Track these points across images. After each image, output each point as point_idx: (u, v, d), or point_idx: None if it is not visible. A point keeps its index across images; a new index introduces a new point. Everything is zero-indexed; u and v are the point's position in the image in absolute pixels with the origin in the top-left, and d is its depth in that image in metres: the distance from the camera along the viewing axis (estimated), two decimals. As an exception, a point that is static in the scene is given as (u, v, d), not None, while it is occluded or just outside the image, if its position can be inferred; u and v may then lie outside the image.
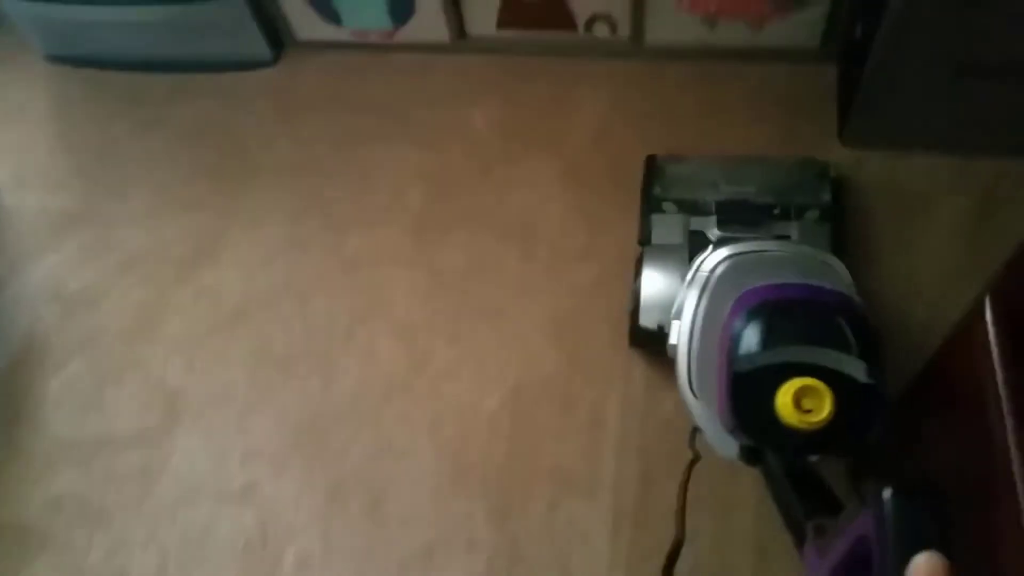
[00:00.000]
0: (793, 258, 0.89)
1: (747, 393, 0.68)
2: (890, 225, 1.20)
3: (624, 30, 1.37)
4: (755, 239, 0.94)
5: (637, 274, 1.10)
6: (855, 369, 0.65)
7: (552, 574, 1.04)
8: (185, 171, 1.41)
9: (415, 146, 1.38)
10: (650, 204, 1.17)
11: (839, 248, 1.10)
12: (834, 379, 0.64)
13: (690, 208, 1.14)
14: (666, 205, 1.16)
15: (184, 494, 1.13)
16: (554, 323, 1.21)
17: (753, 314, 0.70)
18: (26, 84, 1.58)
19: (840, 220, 1.13)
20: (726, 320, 0.73)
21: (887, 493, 0.44)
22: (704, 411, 0.82)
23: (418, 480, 1.11)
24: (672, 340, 0.91)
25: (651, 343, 1.05)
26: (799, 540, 0.66)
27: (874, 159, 1.26)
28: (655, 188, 1.18)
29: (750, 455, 0.75)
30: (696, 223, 1.13)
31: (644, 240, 1.14)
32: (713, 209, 1.12)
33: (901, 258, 1.18)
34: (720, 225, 1.11)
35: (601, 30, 1.38)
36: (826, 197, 1.14)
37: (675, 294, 0.97)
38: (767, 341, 0.68)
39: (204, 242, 1.33)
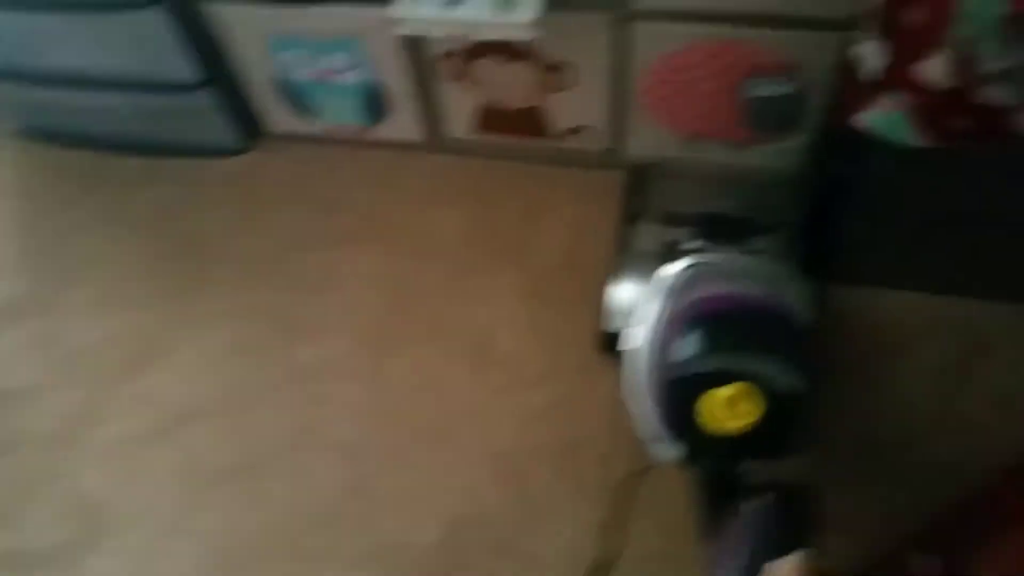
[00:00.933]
0: (749, 267, 0.94)
1: (678, 400, 0.74)
2: (858, 370, 1.19)
3: (603, 142, 1.39)
4: (720, 252, 1.01)
5: (609, 280, 1.17)
6: (783, 375, 0.71)
7: None
8: (140, 263, 1.44)
9: (380, 249, 1.38)
10: (631, 213, 1.25)
11: (809, 267, 1.13)
12: (762, 385, 0.71)
13: (669, 219, 1.23)
14: (646, 216, 1.25)
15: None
16: (500, 453, 1.19)
17: (688, 324, 0.78)
18: (-7, 158, 1.64)
19: (810, 240, 1.20)
20: (664, 330, 0.81)
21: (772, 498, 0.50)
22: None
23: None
24: (630, 344, 0.95)
25: (616, 351, 1.07)
26: (705, 531, 0.77)
27: (847, 296, 1.25)
28: (637, 198, 1.28)
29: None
30: (673, 234, 1.20)
31: (621, 248, 1.22)
32: (692, 221, 1.20)
33: (866, 405, 1.16)
34: (697, 238, 1.19)
35: (579, 140, 1.41)
36: (796, 217, 1.22)
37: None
38: (699, 349, 0.74)
39: (148, 344, 1.34)
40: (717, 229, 1.20)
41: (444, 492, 1.16)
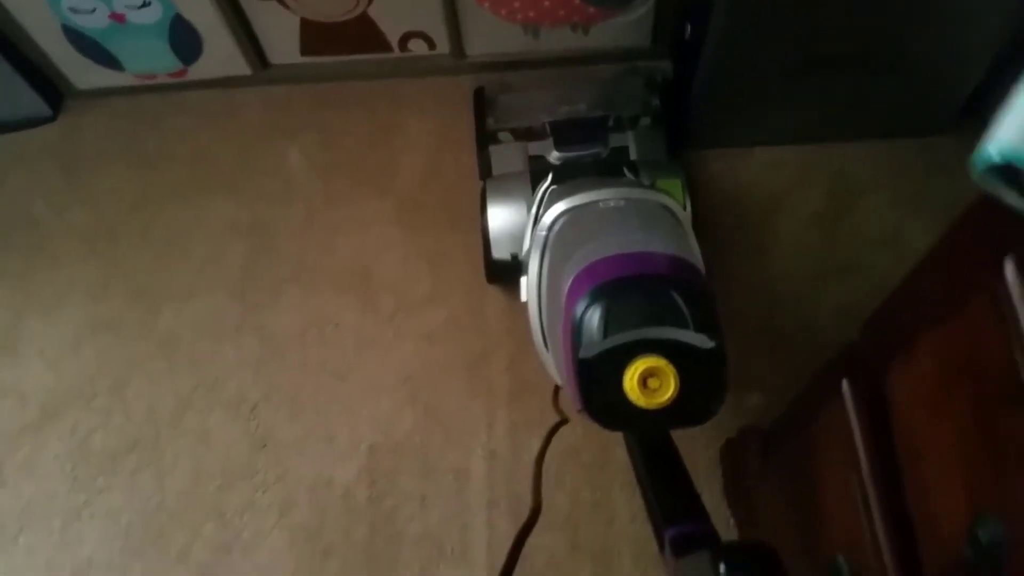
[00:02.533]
0: (628, 211, 0.98)
1: (593, 377, 0.78)
2: (740, 232, 1.41)
3: (443, 46, 1.52)
4: (591, 187, 1.03)
5: (483, 209, 1.24)
6: (694, 340, 0.75)
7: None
8: (-36, 251, 1.47)
9: (226, 197, 1.43)
10: (485, 136, 1.34)
11: (674, 148, 1.31)
12: (675, 352, 0.75)
13: (526, 134, 1.32)
14: (502, 135, 1.33)
15: (11, 630, 1.21)
16: (405, 378, 1.33)
17: (590, 299, 0.80)
18: None
19: (672, 123, 1.33)
20: (565, 304, 0.83)
21: (723, 568, 0.54)
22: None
23: (272, 572, 1.24)
24: (523, 297, 1.05)
25: (506, 275, 1.22)
26: (658, 539, 0.80)
27: (716, 160, 1.45)
28: (488, 120, 1.35)
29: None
30: (534, 148, 1.30)
31: (484, 173, 1.31)
32: (548, 131, 1.30)
33: (756, 264, 1.38)
34: (558, 146, 1.29)
35: (418, 46, 1.53)
36: (656, 103, 1.35)
37: (523, 223, 1.15)
38: (607, 325, 0.77)
39: (1, 333, 1.41)
40: (577, 134, 1.29)
41: (357, 426, 1.27)
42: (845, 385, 0.68)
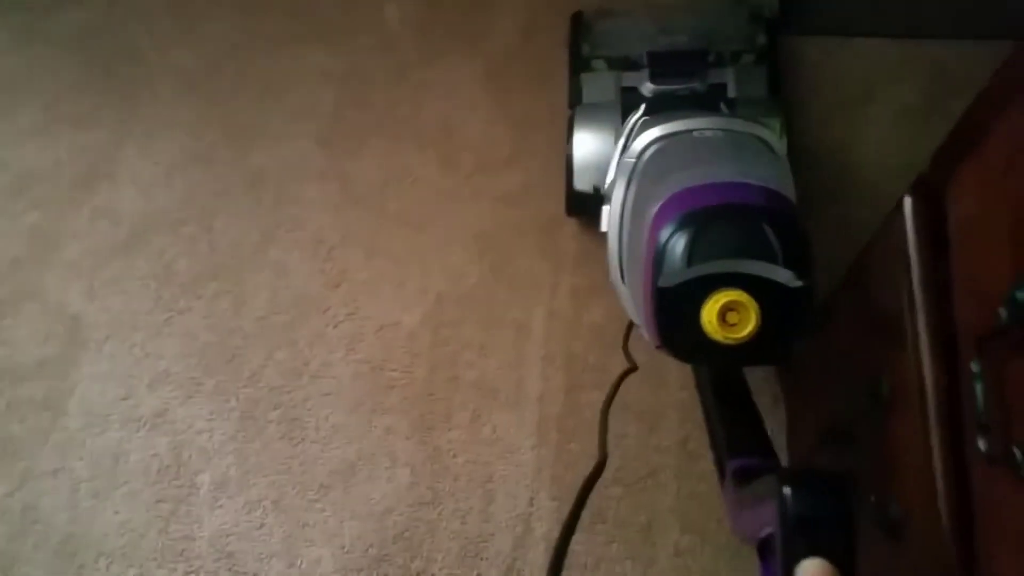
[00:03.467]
0: (723, 141, 0.94)
1: (671, 308, 0.74)
2: (832, 119, 1.37)
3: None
4: (684, 116, 0.98)
5: (569, 137, 1.20)
6: (781, 277, 0.71)
7: (476, 485, 1.22)
8: (73, 84, 1.52)
9: (323, 48, 1.48)
10: (579, 63, 1.28)
11: (775, 89, 1.23)
12: (761, 287, 0.71)
13: (621, 64, 1.26)
14: (595, 63, 1.28)
15: (92, 422, 1.29)
16: (478, 234, 1.35)
17: (676, 226, 0.75)
18: None
19: (775, 61, 1.26)
20: (649, 230, 0.79)
21: (787, 490, 0.50)
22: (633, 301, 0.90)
23: (336, 399, 1.28)
24: (603, 227, 1.01)
25: (588, 208, 1.16)
26: (720, 472, 0.78)
27: (814, 47, 1.39)
28: (583, 46, 1.30)
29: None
30: (628, 79, 1.24)
31: (574, 101, 1.26)
32: (645, 62, 1.22)
33: (842, 154, 1.36)
34: (653, 79, 1.21)
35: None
36: (761, 40, 1.27)
37: (608, 155, 1.07)
38: (691, 254, 0.73)
39: (99, 160, 1.46)
40: (675, 67, 1.21)
41: (427, 274, 1.32)
42: (907, 203, 0.67)
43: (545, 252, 1.30)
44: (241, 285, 1.32)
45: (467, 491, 1.19)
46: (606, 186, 1.04)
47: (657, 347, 0.78)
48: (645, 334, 0.81)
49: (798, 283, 0.71)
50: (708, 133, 0.94)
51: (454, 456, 1.20)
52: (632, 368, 1.03)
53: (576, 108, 1.24)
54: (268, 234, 1.35)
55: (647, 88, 1.22)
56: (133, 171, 1.42)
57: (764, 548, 0.54)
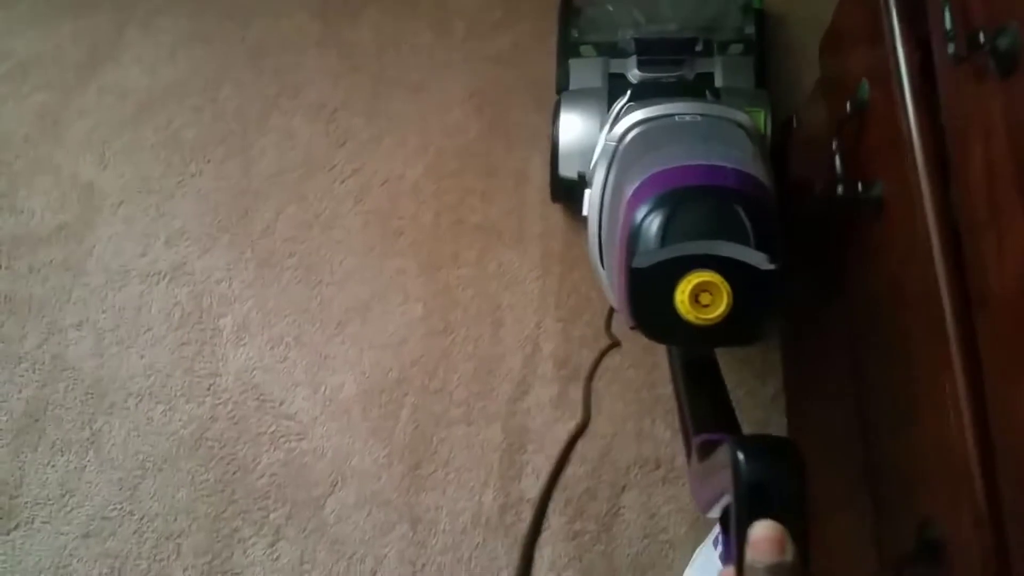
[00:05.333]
0: (702, 125, 0.94)
1: (645, 288, 0.74)
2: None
3: None
4: (666, 101, 0.98)
5: (554, 122, 1.19)
6: (753, 259, 0.72)
7: (485, 314, 1.28)
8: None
9: None
10: (567, 49, 1.26)
11: (762, 81, 1.22)
12: (733, 269, 0.71)
13: (609, 50, 1.24)
14: (584, 49, 1.26)
15: (112, 278, 1.32)
16: (474, 93, 1.41)
17: (651, 206, 0.76)
18: None
19: (763, 53, 1.24)
20: (625, 210, 0.79)
21: (740, 455, 0.50)
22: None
23: (347, 246, 1.33)
24: (584, 211, 1.01)
25: (573, 194, 1.14)
26: (687, 448, 0.78)
27: None
28: (572, 31, 1.27)
29: None
30: (616, 65, 1.21)
31: (561, 86, 1.24)
32: (633, 49, 1.20)
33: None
34: (641, 66, 1.20)
35: None
36: (749, 30, 1.25)
37: (594, 142, 1.06)
38: (665, 235, 0.73)
39: (101, 42, 1.49)
40: (663, 55, 1.19)
41: (427, 132, 1.38)
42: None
43: (539, 105, 1.36)
44: (248, 149, 1.37)
45: (477, 320, 1.24)
46: (588, 172, 1.05)
47: (632, 327, 0.79)
48: (621, 315, 0.83)
49: (770, 266, 0.72)
50: (688, 118, 0.94)
51: (463, 290, 1.26)
52: (614, 343, 1.12)
53: (563, 94, 1.22)
54: (271, 102, 1.40)
55: (634, 75, 1.21)
56: (136, 52, 1.45)
57: (725, 520, 0.54)
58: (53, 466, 1.20)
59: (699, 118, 0.94)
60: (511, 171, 1.35)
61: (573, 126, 1.17)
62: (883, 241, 0.76)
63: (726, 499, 0.52)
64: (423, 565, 1.13)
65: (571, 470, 1.16)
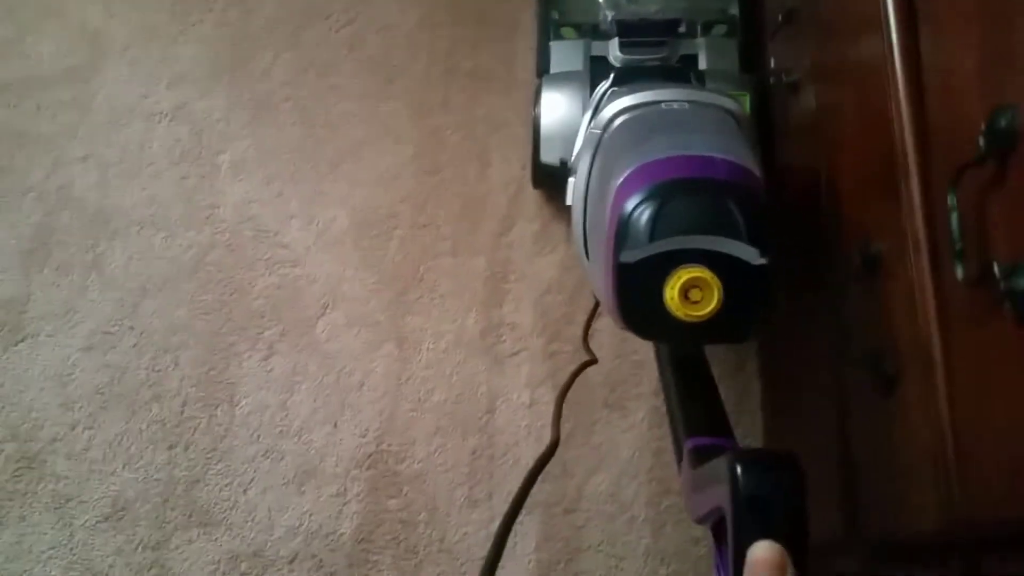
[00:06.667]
0: (690, 114, 0.90)
1: (634, 284, 0.71)
2: None
3: None
4: (652, 87, 0.95)
5: (536, 107, 1.15)
6: (745, 254, 0.69)
7: (472, 156, 1.31)
8: None
9: None
10: (548, 31, 1.22)
11: (747, 63, 1.18)
12: (724, 264, 0.68)
13: (590, 32, 1.20)
14: (565, 31, 1.22)
15: (117, 117, 1.36)
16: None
17: (640, 198, 0.72)
18: None
19: (748, 34, 1.20)
20: (613, 203, 0.75)
21: (739, 470, 0.48)
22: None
23: (342, 91, 1.36)
24: (568, 200, 0.98)
25: (555, 181, 1.12)
26: (677, 451, 0.77)
27: None
28: (552, 13, 1.23)
29: None
30: (597, 47, 1.17)
31: (542, 69, 1.20)
32: (615, 31, 1.15)
33: None
34: (623, 48, 1.15)
35: None
36: (733, 10, 1.21)
37: (576, 126, 1.04)
38: (654, 229, 0.70)
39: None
40: (643, 35, 1.14)
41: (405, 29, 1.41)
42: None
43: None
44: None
45: (465, 161, 1.29)
46: (573, 158, 1.02)
47: (620, 326, 0.76)
48: (608, 312, 0.79)
49: (762, 260, 0.69)
50: (675, 105, 0.90)
51: (452, 133, 1.31)
52: (591, 361, 1.02)
53: (544, 77, 1.18)
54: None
55: (616, 57, 1.16)
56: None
57: (719, 529, 0.53)
58: (58, 285, 1.24)
59: (686, 105, 0.90)
60: (501, 21, 1.38)
61: (554, 111, 1.13)
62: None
63: (722, 510, 0.51)
64: (407, 379, 1.18)
65: (549, 297, 1.21)
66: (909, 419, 0.67)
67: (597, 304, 1.02)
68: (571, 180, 0.99)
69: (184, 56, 1.39)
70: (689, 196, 0.72)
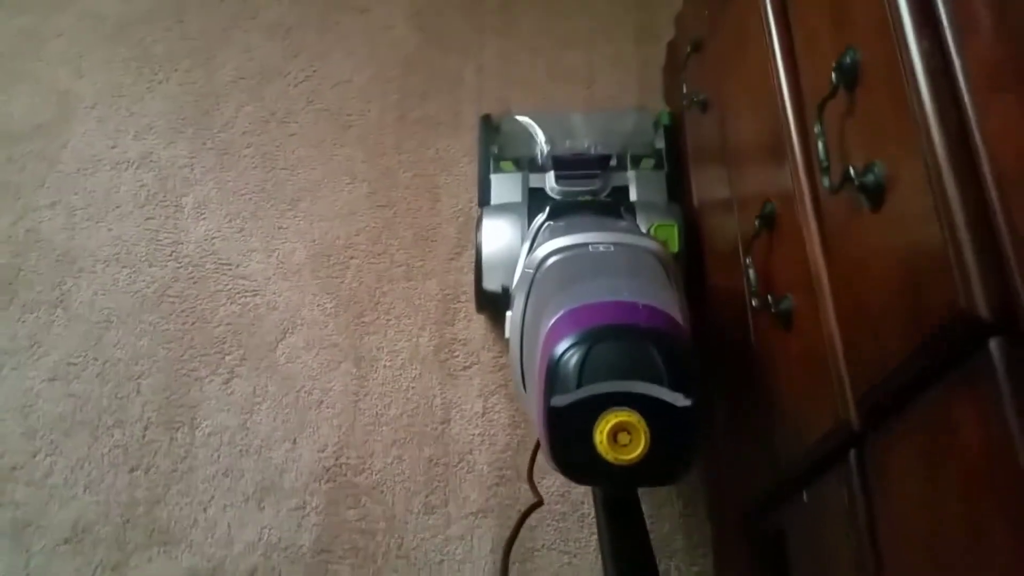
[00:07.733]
0: (616, 257, 0.93)
1: (565, 427, 0.72)
2: None
3: None
4: (582, 229, 0.98)
5: (476, 236, 1.19)
6: (668, 397, 0.70)
7: (423, 191, 1.38)
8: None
9: None
10: (488, 164, 1.30)
11: (673, 193, 1.25)
12: (651, 406, 0.70)
13: (528, 165, 1.28)
14: (504, 164, 1.29)
15: (84, 166, 1.42)
16: (412, 14, 1.56)
17: (568, 343, 0.74)
18: None
19: (673, 167, 1.27)
20: (543, 346, 0.77)
21: None
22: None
23: (301, 138, 1.44)
24: (506, 333, 1.01)
25: (497, 306, 1.15)
26: None
27: None
28: (493, 148, 1.31)
29: None
30: (535, 180, 1.25)
31: (483, 200, 1.27)
32: (551, 165, 1.24)
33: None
34: (559, 180, 1.23)
35: None
36: (660, 145, 1.29)
37: (516, 254, 1.09)
38: (582, 373, 0.71)
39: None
40: (576, 169, 1.23)
41: (373, 44, 1.54)
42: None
43: (472, 20, 1.50)
44: (211, 60, 1.50)
45: (416, 196, 1.36)
46: (513, 285, 1.04)
47: (553, 468, 0.77)
48: (543, 454, 0.79)
49: (686, 402, 0.70)
50: (602, 247, 0.93)
51: (404, 172, 1.39)
52: (538, 503, 1.02)
53: (485, 208, 1.23)
54: (232, 22, 1.54)
55: (552, 188, 1.24)
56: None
57: None
58: (23, 321, 1.27)
59: (611, 248, 0.93)
60: (447, 75, 1.48)
61: (496, 240, 1.17)
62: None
63: None
64: (365, 395, 1.21)
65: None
66: (804, 338, 0.73)
67: (539, 442, 0.99)
68: (508, 314, 1.01)
69: (150, 111, 1.46)
70: (613, 342, 0.74)
